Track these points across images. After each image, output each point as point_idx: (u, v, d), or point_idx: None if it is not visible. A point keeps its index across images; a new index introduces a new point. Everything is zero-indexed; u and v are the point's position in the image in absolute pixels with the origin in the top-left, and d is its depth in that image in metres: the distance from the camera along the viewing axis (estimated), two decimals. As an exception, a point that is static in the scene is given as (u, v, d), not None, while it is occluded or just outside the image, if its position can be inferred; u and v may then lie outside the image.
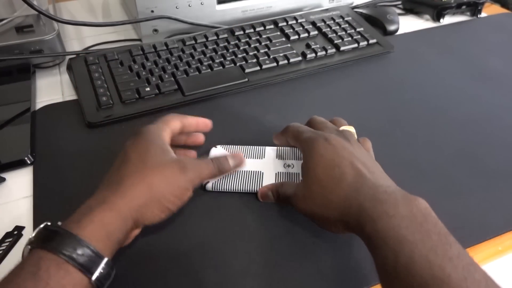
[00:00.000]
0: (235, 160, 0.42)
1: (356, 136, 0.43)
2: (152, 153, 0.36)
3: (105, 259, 0.31)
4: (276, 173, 0.44)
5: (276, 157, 0.46)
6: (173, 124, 0.42)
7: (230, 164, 0.41)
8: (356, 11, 0.75)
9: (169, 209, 0.36)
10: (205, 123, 0.45)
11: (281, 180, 0.44)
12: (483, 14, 0.81)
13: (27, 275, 0.28)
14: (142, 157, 0.36)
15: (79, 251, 0.29)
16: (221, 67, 0.60)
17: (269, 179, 0.44)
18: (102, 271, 0.30)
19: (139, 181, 0.34)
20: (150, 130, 0.39)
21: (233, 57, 0.61)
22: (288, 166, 0.45)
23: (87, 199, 0.34)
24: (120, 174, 0.35)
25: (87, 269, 0.29)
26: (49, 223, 0.32)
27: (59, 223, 0.33)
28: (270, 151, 0.47)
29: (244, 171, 0.45)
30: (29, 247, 0.30)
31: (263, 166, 0.45)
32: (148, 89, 0.55)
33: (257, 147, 0.47)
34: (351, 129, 0.44)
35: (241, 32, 0.66)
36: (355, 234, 0.34)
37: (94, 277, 0.30)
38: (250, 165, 0.45)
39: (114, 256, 0.33)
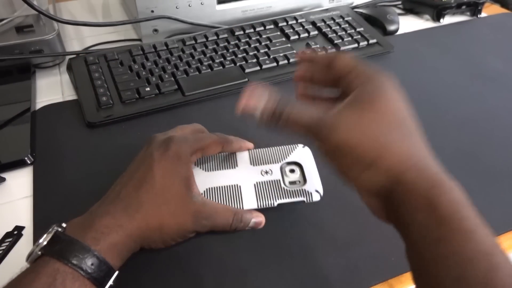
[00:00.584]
0: (257, 219, 0.39)
1: None
2: (175, 188, 0.36)
3: (116, 273, 0.32)
4: (254, 184, 0.41)
5: (250, 163, 0.43)
6: (209, 151, 0.40)
7: (250, 222, 0.39)
8: (356, 11, 0.75)
9: (171, 244, 0.37)
10: (248, 147, 0.44)
11: (262, 191, 0.40)
12: (483, 14, 0.81)
13: (43, 285, 0.28)
14: (166, 188, 0.35)
15: (97, 267, 0.30)
16: (221, 67, 0.60)
17: (248, 193, 0.40)
18: (112, 283, 0.32)
19: (155, 218, 0.35)
20: (181, 151, 0.37)
21: (233, 57, 0.61)
22: (266, 173, 0.41)
23: (99, 204, 0.35)
24: (140, 198, 0.35)
25: (100, 283, 0.31)
26: (59, 229, 0.32)
27: (64, 224, 0.33)
28: (242, 156, 0.44)
29: (220, 187, 0.41)
30: (40, 253, 0.30)
31: (238, 177, 0.42)
32: (148, 89, 0.55)
33: (228, 153, 0.44)
34: None
35: (241, 32, 0.66)
36: (391, 198, 0.28)
37: None
38: (224, 177, 0.42)
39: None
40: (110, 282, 0.31)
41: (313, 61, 0.37)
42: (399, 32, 0.74)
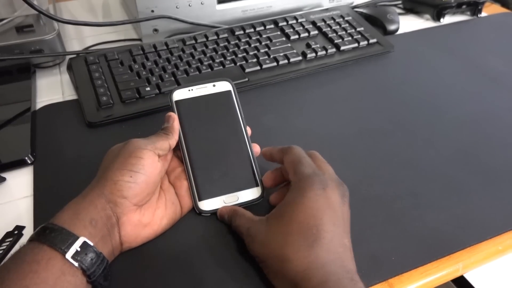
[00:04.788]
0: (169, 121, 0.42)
1: None
2: (121, 152, 0.38)
3: (81, 238, 0.32)
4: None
5: None
6: (160, 145, 0.40)
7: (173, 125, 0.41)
8: (356, 11, 0.75)
9: (132, 171, 0.36)
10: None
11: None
12: (483, 14, 0.81)
13: (8, 258, 0.31)
14: (112, 157, 0.38)
15: (51, 233, 0.32)
16: (221, 67, 0.60)
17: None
18: (79, 249, 0.31)
19: (100, 170, 0.38)
20: (136, 143, 0.39)
21: (233, 56, 0.61)
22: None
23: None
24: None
25: (55, 244, 0.31)
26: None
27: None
28: None
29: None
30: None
31: None
32: (148, 88, 0.55)
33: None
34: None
35: (241, 32, 0.66)
36: None
37: (68, 255, 0.31)
38: None
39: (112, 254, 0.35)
40: (76, 247, 0.31)
41: (272, 159, 0.42)
42: (399, 32, 0.74)
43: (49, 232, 0.32)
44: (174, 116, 0.42)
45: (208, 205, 0.41)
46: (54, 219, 0.33)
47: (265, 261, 0.35)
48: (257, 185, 0.43)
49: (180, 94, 0.44)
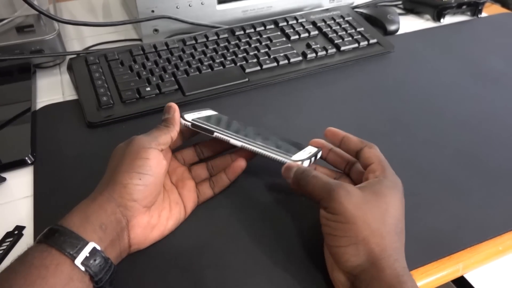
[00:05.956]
0: (169, 112, 0.41)
1: None
2: (127, 151, 0.38)
3: (90, 244, 0.32)
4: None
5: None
6: (162, 140, 0.40)
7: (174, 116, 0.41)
8: (356, 11, 0.75)
9: (140, 173, 0.36)
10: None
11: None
12: (483, 14, 0.81)
13: (16, 260, 0.31)
14: (120, 157, 0.38)
15: (61, 236, 0.31)
16: (221, 67, 0.60)
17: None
18: (88, 255, 0.31)
19: (108, 173, 0.37)
20: (140, 140, 0.38)
21: (234, 57, 0.61)
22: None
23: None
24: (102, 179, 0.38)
25: (64, 249, 0.31)
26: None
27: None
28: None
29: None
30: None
31: None
32: (148, 89, 0.55)
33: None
34: None
35: (242, 32, 0.66)
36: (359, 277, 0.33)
37: (77, 261, 0.31)
38: None
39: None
40: (85, 253, 0.31)
41: (341, 142, 0.42)
42: (399, 32, 0.74)
43: (58, 235, 0.31)
44: (175, 106, 0.42)
45: (297, 157, 0.40)
46: (63, 221, 0.33)
47: (350, 224, 0.33)
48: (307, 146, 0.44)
49: (188, 117, 0.44)
